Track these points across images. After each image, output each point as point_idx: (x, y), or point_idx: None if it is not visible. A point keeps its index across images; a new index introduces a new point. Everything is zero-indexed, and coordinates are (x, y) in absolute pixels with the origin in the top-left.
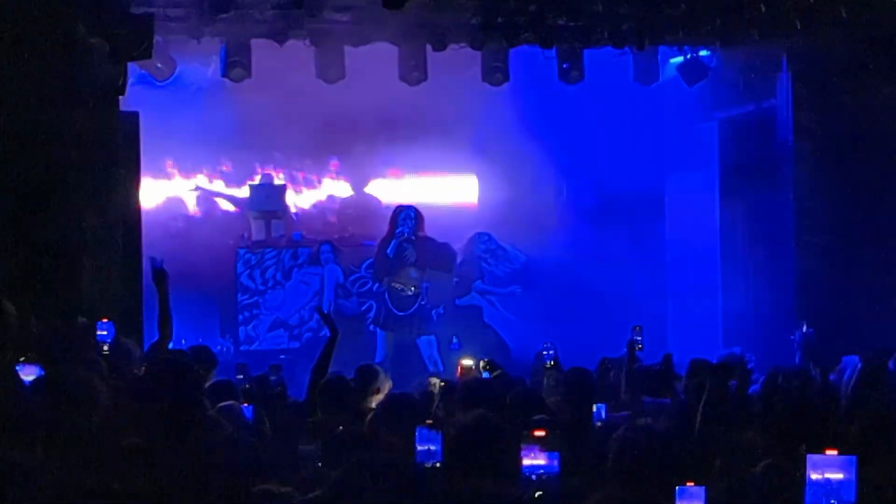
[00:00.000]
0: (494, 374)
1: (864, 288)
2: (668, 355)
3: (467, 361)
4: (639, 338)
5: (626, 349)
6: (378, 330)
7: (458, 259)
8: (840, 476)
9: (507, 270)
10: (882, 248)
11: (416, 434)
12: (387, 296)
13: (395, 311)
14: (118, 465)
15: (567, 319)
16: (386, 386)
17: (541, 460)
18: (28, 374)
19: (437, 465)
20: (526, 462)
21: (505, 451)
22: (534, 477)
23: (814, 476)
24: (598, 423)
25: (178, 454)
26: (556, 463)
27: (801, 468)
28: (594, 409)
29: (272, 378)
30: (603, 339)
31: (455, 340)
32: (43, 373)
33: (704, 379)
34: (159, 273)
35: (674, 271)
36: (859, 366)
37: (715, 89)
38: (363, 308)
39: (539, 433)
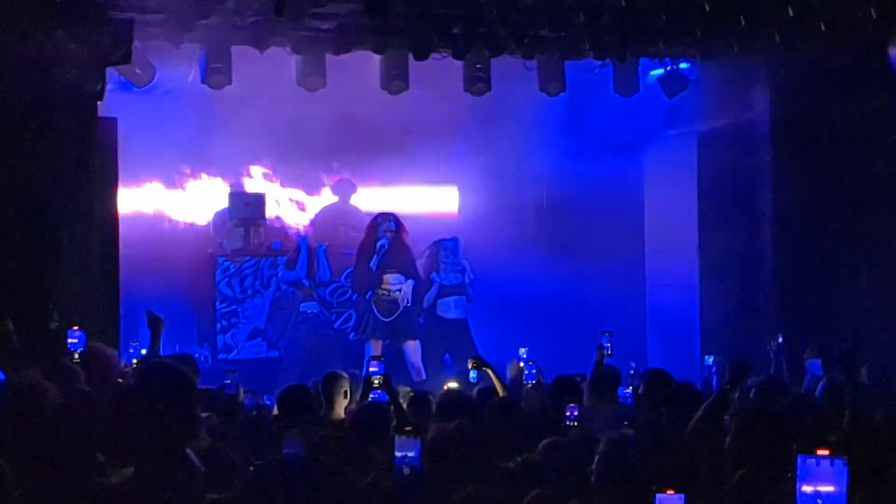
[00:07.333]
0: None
1: (843, 298)
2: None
3: (453, 384)
4: (608, 343)
5: (595, 354)
6: (367, 342)
7: (421, 265)
8: (831, 489)
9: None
10: (861, 260)
11: (395, 442)
12: (372, 305)
13: (382, 318)
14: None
15: (544, 330)
16: (350, 392)
17: None
18: None
19: (415, 472)
20: None
21: (483, 460)
22: None
23: (805, 488)
24: (572, 423)
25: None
26: None
27: (789, 474)
28: (567, 409)
29: (227, 381)
30: (579, 349)
31: (447, 356)
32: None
33: (662, 389)
34: (156, 320)
35: (652, 282)
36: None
37: (695, 102)
38: (342, 318)
39: None
